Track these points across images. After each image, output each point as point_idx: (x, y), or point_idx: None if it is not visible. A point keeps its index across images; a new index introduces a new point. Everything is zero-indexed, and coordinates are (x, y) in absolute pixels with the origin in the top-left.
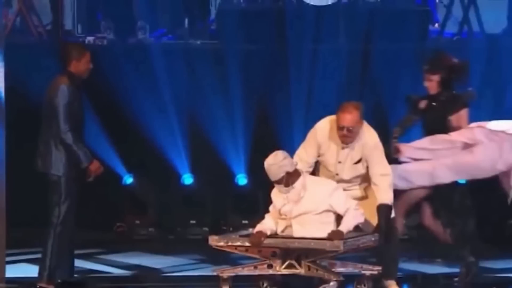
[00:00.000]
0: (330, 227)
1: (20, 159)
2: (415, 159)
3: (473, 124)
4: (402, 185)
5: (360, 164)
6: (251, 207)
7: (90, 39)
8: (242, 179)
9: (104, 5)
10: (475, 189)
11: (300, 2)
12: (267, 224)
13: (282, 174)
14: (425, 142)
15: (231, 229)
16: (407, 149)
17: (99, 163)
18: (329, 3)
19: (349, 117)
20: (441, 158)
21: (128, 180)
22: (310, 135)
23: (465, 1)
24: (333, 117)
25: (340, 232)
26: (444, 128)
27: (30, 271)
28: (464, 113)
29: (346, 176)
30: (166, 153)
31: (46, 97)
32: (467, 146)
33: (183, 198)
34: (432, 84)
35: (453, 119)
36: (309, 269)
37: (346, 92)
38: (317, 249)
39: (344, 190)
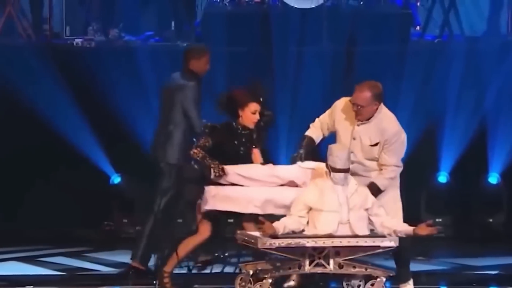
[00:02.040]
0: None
1: (6, 158)
2: (233, 184)
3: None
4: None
5: (376, 148)
6: None
7: (78, 41)
8: None
9: (92, 7)
10: (457, 188)
11: (285, 5)
12: (286, 223)
13: (350, 164)
14: (251, 170)
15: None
16: (231, 174)
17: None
18: (313, 6)
19: (361, 95)
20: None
21: (116, 179)
22: (329, 110)
23: (446, 5)
24: None
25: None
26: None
27: (20, 269)
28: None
29: (359, 155)
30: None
31: (168, 93)
32: (292, 184)
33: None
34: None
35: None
36: (340, 267)
37: (330, 93)
38: (367, 246)
39: (361, 176)
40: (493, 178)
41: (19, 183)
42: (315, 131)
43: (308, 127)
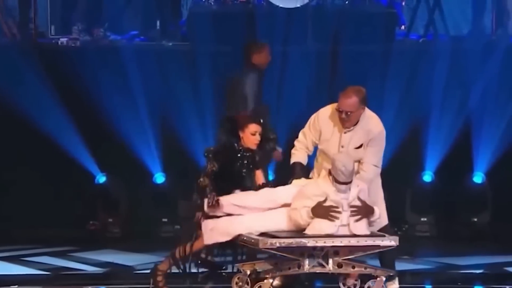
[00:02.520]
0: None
1: None
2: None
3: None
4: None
5: (361, 149)
6: None
7: (63, 40)
8: None
9: (77, 7)
10: (441, 187)
11: (270, 4)
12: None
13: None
14: (247, 199)
15: None
16: (226, 205)
17: (281, 152)
18: (298, 5)
19: (348, 101)
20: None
21: (101, 179)
22: (312, 119)
23: (431, 4)
24: (335, 104)
25: (372, 209)
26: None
27: (5, 269)
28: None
29: None
30: (138, 153)
31: (232, 87)
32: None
33: (155, 196)
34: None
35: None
36: (339, 267)
37: (315, 93)
38: (367, 246)
39: None
40: (478, 178)
41: (3, 182)
42: (302, 154)
43: (294, 142)
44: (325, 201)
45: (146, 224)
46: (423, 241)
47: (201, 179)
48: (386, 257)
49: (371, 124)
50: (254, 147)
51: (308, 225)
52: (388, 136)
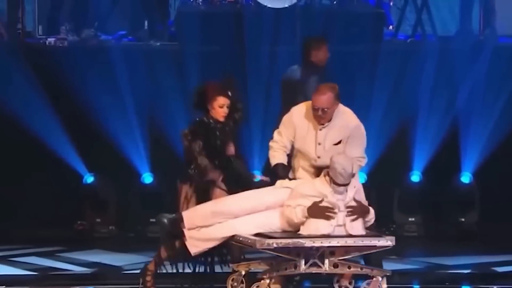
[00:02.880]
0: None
1: None
2: None
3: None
4: None
5: (340, 146)
6: None
7: (51, 40)
8: None
9: (65, 7)
10: (429, 187)
11: (258, 4)
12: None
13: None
14: (234, 207)
15: None
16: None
17: None
18: (286, 5)
19: (323, 98)
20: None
21: (89, 179)
22: (286, 118)
23: (419, 4)
24: (309, 102)
25: (367, 208)
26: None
27: None
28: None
29: (327, 157)
30: (126, 153)
31: (289, 86)
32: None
33: (143, 196)
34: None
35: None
36: (335, 267)
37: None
38: (363, 246)
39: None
40: (466, 178)
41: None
42: (281, 154)
43: (270, 141)
44: (321, 201)
45: (134, 224)
46: (410, 241)
47: (199, 162)
48: (373, 257)
49: (347, 119)
50: (222, 119)
51: (302, 224)
52: (376, 136)
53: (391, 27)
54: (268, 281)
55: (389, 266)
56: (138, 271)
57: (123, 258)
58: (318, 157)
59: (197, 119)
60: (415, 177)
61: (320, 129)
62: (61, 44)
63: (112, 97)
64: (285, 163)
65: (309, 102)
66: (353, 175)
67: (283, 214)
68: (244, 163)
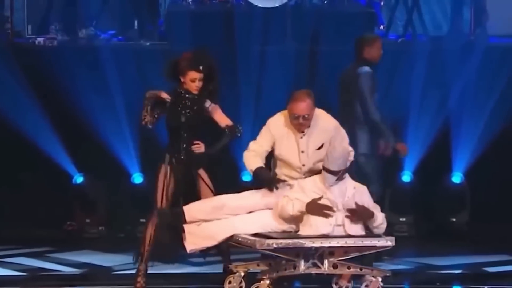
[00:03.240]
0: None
1: None
2: None
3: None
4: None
5: (322, 150)
6: None
7: (40, 40)
8: None
9: (54, 6)
10: (420, 187)
11: (249, 4)
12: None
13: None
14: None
15: None
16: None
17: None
18: (277, 5)
19: (303, 105)
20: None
21: (79, 179)
22: (264, 130)
23: (409, 4)
24: (285, 111)
25: (371, 212)
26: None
27: None
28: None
29: (311, 164)
30: (116, 153)
31: (345, 85)
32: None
33: (133, 197)
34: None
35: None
36: (334, 268)
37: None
38: (363, 246)
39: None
40: (457, 178)
41: None
42: (258, 159)
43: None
44: (320, 198)
45: (124, 225)
46: (401, 241)
47: (147, 120)
48: (364, 257)
49: (324, 122)
50: (195, 92)
51: (297, 219)
52: None
53: (381, 26)
54: (268, 281)
55: (380, 266)
56: (128, 272)
57: (113, 259)
58: (303, 165)
59: (173, 90)
60: (406, 177)
61: (301, 137)
62: (51, 44)
63: (102, 97)
64: (264, 166)
65: (285, 112)
66: (347, 169)
67: (279, 205)
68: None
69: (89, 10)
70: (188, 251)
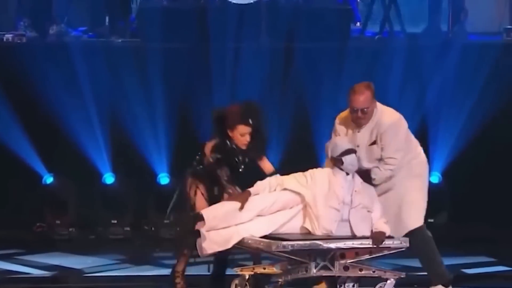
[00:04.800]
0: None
1: None
2: None
3: None
4: None
5: (375, 146)
6: None
7: (8, 36)
8: (164, 179)
9: (23, 1)
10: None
11: (222, 0)
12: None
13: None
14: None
15: (152, 228)
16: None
17: None
18: (251, 1)
19: (362, 98)
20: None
21: (48, 179)
22: (333, 126)
23: (386, 1)
24: (345, 111)
25: (383, 233)
26: None
27: None
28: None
29: (364, 159)
30: (87, 152)
31: None
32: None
33: (104, 197)
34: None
35: None
36: (346, 270)
37: (269, 90)
38: (377, 248)
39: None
40: (435, 178)
41: None
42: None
43: None
44: (248, 193)
45: (95, 226)
46: None
47: (229, 190)
48: (422, 262)
49: (381, 117)
50: (243, 147)
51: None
52: None
53: (358, 23)
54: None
55: None
56: (100, 274)
57: (84, 261)
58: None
59: (219, 143)
60: None
61: (358, 131)
62: (19, 41)
63: (73, 95)
64: None
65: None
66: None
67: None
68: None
69: (59, 6)
70: (201, 255)
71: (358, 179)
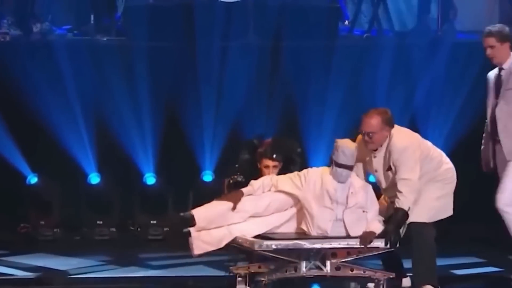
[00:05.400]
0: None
1: None
2: None
3: None
4: None
5: (390, 172)
6: (160, 207)
7: None
8: (150, 179)
9: (6, 0)
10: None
11: None
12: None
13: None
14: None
15: (139, 229)
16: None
17: None
18: None
19: (369, 121)
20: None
21: (33, 179)
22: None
23: None
24: None
25: (373, 233)
26: None
27: None
28: None
29: (388, 183)
30: (72, 152)
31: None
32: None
33: (89, 197)
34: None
35: None
36: (337, 270)
37: (256, 90)
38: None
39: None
40: None
41: None
42: None
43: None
44: (240, 193)
45: (80, 227)
46: None
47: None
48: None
49: (395, 140)
50: None
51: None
52: (331, 134)
53: (346, 22)
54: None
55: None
56: (84, 276)
57: (69, 262)
58: (380, 184)
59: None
60: (372, 177)
61: (374, 156)
62: (3, 39)
63: (57, 94)
64: None
65: None
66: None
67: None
68: None
69: (43, 3)
70: (194, 256)
71: (355, 180)
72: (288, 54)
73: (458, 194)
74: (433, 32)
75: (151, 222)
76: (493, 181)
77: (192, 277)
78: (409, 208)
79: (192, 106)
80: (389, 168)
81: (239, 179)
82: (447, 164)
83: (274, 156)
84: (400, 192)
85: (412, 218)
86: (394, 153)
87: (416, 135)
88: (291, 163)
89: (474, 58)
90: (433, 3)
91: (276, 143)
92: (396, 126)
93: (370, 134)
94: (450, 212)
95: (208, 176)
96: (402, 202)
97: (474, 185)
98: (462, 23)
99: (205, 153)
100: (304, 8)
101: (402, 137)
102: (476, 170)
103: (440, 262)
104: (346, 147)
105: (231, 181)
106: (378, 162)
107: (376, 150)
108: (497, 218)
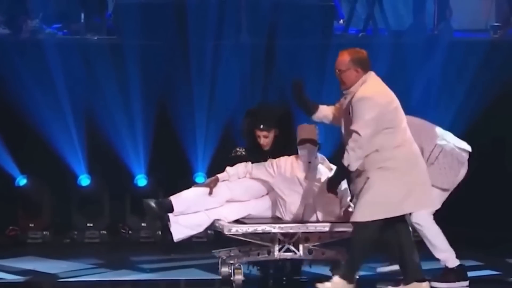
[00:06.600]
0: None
1: None
2: None
3: None
4: None
5: (348, 120)
6: None
7: None
8: (141, 180)
9: None
10: None
11: None
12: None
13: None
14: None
15: (130, 232)
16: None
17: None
18: None
19: (339, 59)
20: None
21: (22, 181)
22: None
23: None
24: None
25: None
26: None
27: None
28: None
29: (343, 132)
30: (61, 153)
31: None
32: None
33: (79, 200)
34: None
35: None
36: (310, 253)
37: (249, 88)
38: (337, 232)
39: None
40: None
41: None
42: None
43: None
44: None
45: (70, 229)
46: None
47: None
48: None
49: (360, 89)
50: (266, 148)
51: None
52: (325, 133)
53: (341, 21)
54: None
55: (323, 270)
56: (74, 279)
57: (58, 265)
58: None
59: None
60: None
61: (345, 98)
62: None
63: (47, 94)
64: (317, 105)
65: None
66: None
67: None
68: None
69: (33, 2)
70: (175, 240)
71: (325, 163)
72: (282, 53)
73: (455, 196)
74: (429, 30)
75: (142, 224)
76: (488, 183)
77: (183, 280)
78: (348, 164)
79: (185, 106)
80: (349, 114)
81: (239, 153)
82: (407, 150)
83: (261, 126)
84: (347, 144)
85: (353, 217)
86: (353, 100)
87: (391, 95)
88: (280, 135)
89: (471, 57)
90: (429, 2)
91: (262, 112)
92: (376, 78)
93: (337, 71)
94: (410, 209)
95: (200, 178)
96: (344, 157)
97: (471, 189)
98: (459, 22)
99: (197, 154)
100: (298, 6)
101: (369, 86)
102: (472, 170)
103: (438, 265)
104: (304, 124)
105: (233, 154)
106: (344, 107)
107: (346, 90)
108: (495, 220)
